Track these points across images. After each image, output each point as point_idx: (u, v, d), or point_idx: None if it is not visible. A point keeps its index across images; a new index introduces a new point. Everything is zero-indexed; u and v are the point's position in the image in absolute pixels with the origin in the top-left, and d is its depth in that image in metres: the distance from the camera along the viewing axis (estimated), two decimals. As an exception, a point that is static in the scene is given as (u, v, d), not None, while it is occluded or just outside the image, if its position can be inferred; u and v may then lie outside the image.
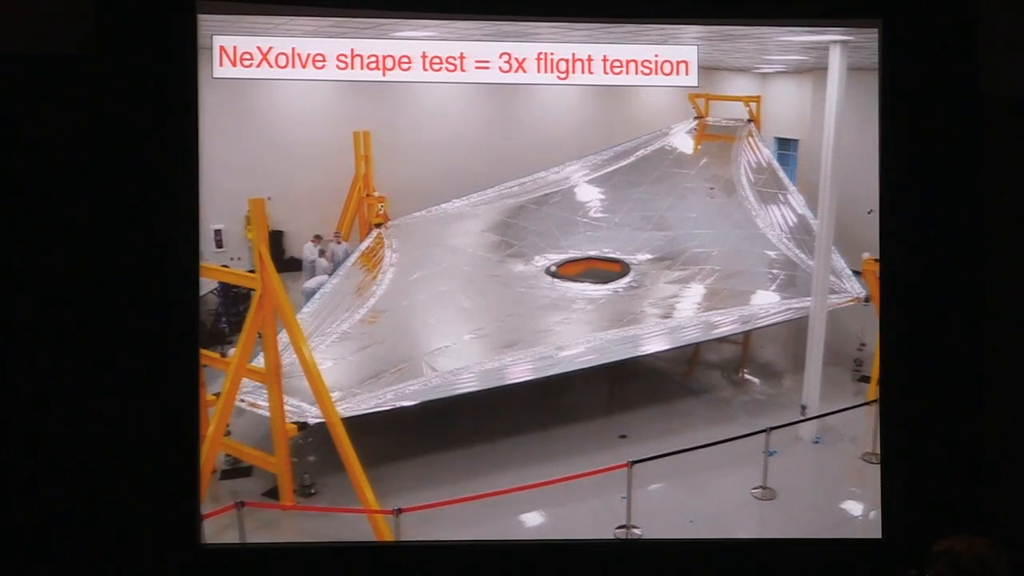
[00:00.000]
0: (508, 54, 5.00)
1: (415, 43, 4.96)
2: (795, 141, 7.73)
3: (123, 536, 4.42)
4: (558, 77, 5.05)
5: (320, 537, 4.91)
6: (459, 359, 6.11)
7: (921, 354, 4.77)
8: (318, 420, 5.21)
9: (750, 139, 7.71)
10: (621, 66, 5.05)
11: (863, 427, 5.72)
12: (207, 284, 5.99)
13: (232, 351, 5.26)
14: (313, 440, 5.48)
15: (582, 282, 7.16)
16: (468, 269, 7.19)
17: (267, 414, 5.21)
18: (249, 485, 5.30)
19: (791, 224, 7.24)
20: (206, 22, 4.66)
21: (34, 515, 4.49)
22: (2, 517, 4.47)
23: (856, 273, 6.46)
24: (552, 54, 5.02)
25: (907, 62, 4.77)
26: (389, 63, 4.95)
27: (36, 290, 4.54)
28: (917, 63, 4.76)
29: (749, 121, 7.78)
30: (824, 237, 6.09)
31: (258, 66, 4.93)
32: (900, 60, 4.78)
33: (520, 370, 6.00)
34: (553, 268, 7.23)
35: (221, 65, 4.87)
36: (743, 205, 7.53)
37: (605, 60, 5.04)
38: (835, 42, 5.70)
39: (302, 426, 5.26)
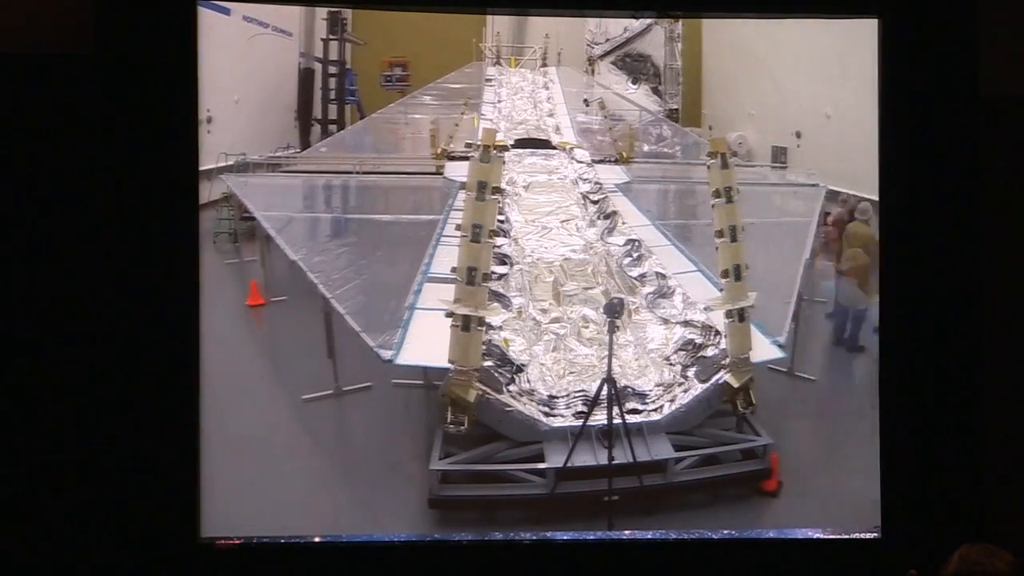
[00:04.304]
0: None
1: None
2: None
3: (122, 530, 4.43)
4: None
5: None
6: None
7: (921, 354, 4.78)
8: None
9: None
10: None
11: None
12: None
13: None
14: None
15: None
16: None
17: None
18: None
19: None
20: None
21: (33, 508, 4.50)
22: (2, 510, 4.50)
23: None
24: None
25: (906, 62, 4.78)
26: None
27: (34, 288, 4.56)
28: (916, 63, 4.77)
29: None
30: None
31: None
32: (899, 60, 4.79)
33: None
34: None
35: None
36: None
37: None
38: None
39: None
